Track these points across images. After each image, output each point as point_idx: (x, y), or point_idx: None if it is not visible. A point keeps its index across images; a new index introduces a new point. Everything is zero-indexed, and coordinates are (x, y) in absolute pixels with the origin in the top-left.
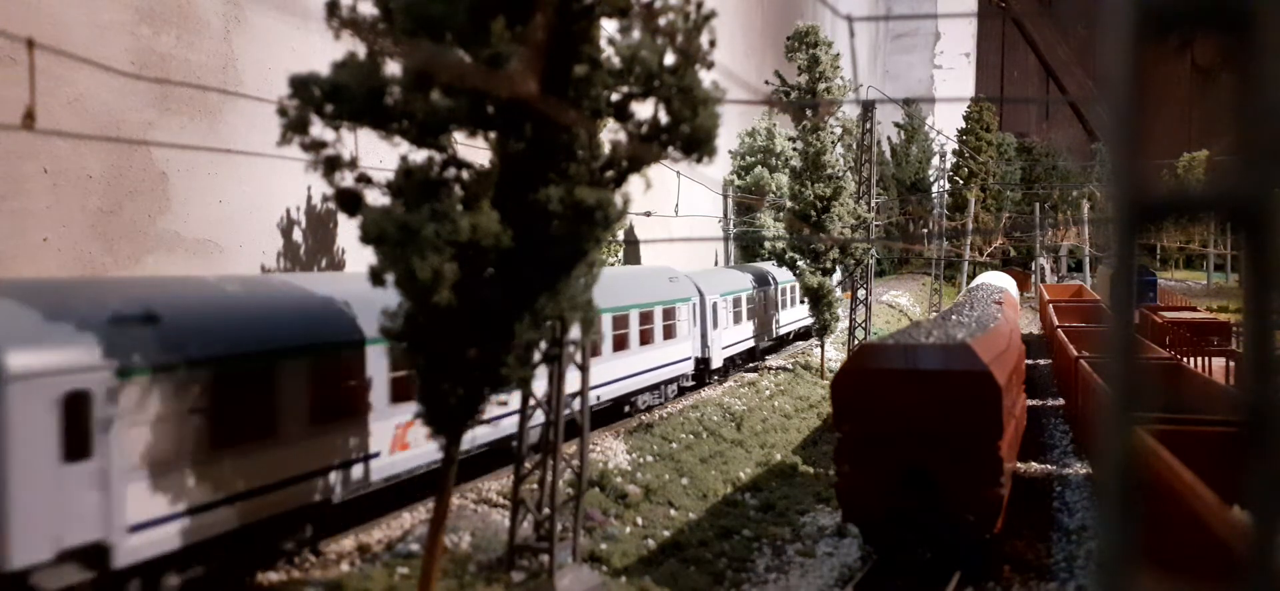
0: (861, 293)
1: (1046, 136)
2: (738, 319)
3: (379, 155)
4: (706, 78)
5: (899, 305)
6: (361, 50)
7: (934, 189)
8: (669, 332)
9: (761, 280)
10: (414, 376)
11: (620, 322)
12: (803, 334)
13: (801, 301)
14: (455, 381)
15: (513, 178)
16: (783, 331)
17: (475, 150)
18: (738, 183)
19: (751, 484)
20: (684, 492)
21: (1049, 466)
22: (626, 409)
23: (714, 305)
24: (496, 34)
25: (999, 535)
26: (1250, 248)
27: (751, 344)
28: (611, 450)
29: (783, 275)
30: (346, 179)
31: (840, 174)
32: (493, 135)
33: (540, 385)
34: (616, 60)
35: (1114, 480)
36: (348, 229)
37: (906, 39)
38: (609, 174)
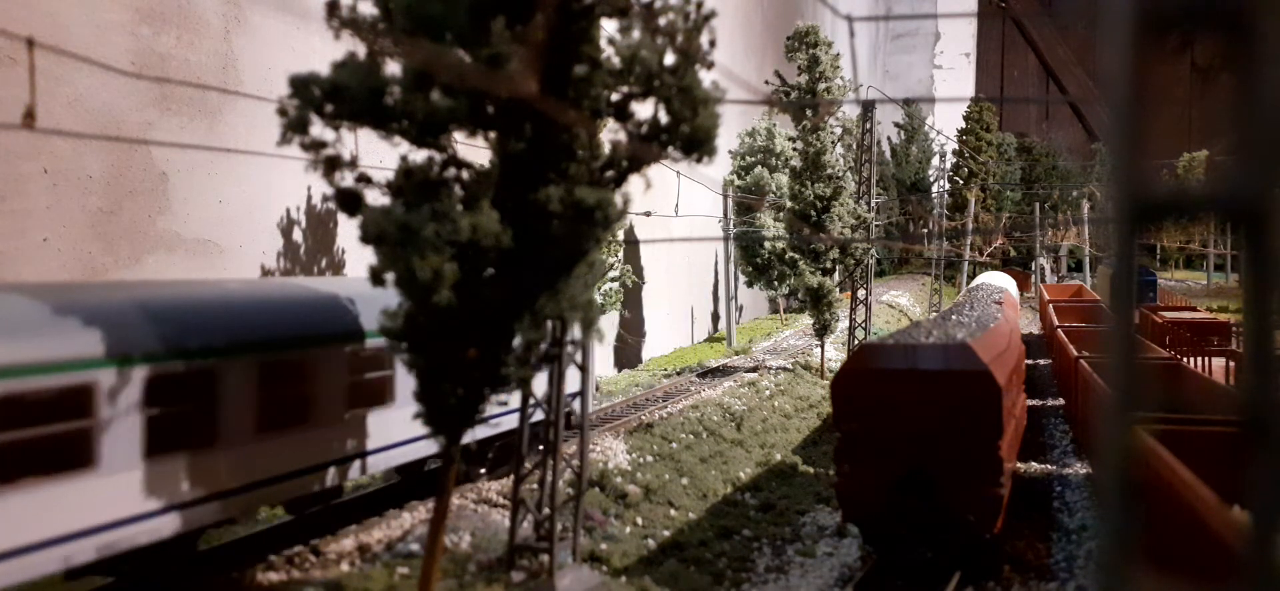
0: (861, 293)
1: (1046, 136)
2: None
3: (379, 155)
4: (706, 78)
5: (899, 305)
6: (361, 50)
7: (934, 189)
8: None
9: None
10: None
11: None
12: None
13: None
14: (455, 381)
15: (513, 178)
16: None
17: (475, 150)
18: (738, 183)
19: (751, 484)
20: (684, 492)
21: (1049, 466)
22: None
23: None
24: (496, 34)
25: (999, 535)
26: (1250, 248)
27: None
28: (611, 450)
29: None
30: (346, 179)
31: (840, 174)
32: (493, 135)
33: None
34: (616, 60)
35: (1114, 480)
36: (348, 229)
37: (906, 39)
38: (609, 174)
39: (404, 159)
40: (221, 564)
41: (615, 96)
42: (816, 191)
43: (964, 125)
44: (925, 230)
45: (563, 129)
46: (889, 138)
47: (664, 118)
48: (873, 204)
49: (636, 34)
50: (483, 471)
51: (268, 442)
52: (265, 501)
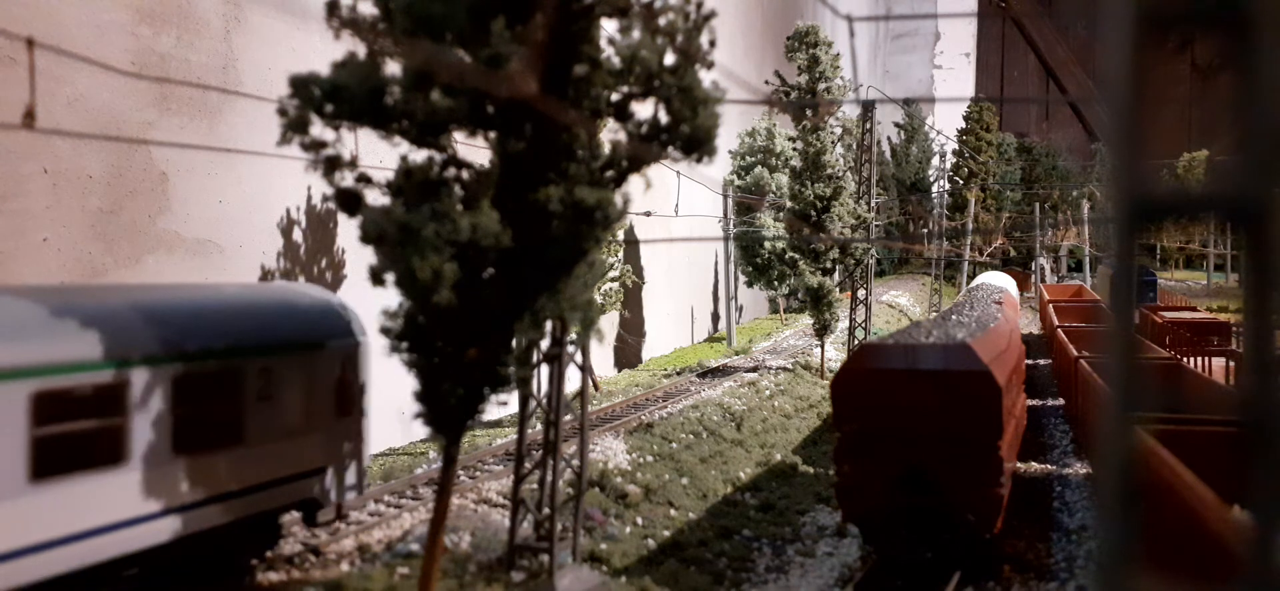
0: (861, 292)
1: (1046, 136)
2: None
3: (379, 155)
4: (706, 78)
5: (899, 305)
6: (361, 50)
7: (934, 189)
8: None
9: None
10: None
11: None
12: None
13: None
14: (455, 381)
15: (513, 178)
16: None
17: (475, 150)
18: (738, 183)
19: (751, 484)
20: (684, 492)
21: (1049, 466)
22: None
23: None
24: (496, 34)
25: (999, 535)
26: (1250, 248)
27: None
28: (611, 450)
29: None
30: (346, 179)
31: (840, 174)
32: (493, 135)
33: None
34: (616, 60)
35: (1114, 480)
36: (348, 229)
37: (906, 39)
38: (609, 174)
39: (404, 159)
40: (220, 564)
41: (615, 96)
42: (816, 191)
43: (964, 125)
44: (925, 230)
45: (563, 129)
46: (889, 138)
47: (664, 118)
48: (873, 204)
49: (636, 34)
50: None
51: None
52: None
